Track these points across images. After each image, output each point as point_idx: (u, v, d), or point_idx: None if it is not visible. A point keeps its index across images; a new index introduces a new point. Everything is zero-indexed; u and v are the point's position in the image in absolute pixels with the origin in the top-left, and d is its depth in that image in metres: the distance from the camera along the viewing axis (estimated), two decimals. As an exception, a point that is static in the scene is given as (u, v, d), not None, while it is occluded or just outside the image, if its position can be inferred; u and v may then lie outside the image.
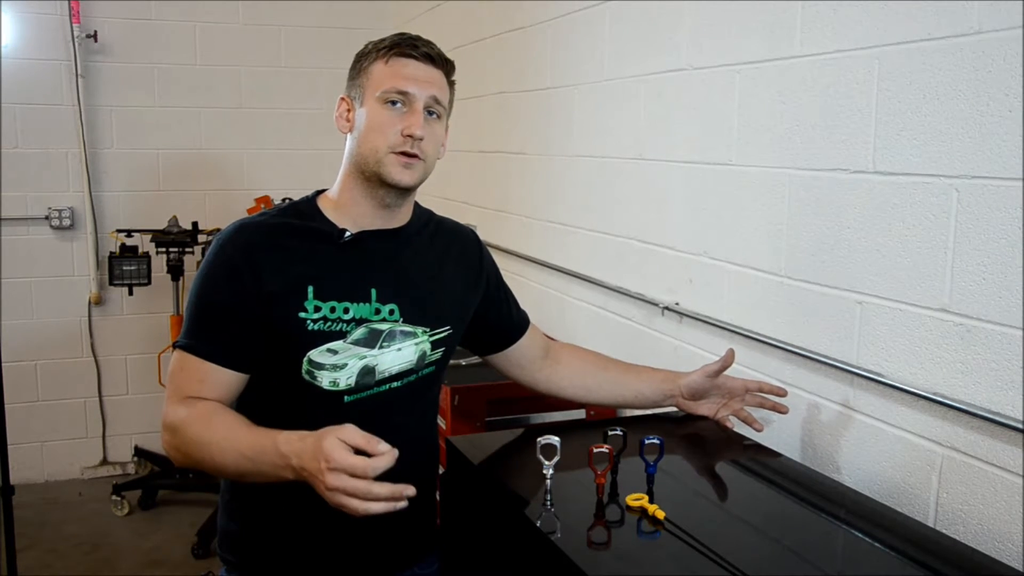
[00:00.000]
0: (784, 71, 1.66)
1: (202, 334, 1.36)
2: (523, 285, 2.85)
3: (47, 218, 3.97)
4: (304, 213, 1.43)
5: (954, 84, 1.30)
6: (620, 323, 2.30)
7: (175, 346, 1.38)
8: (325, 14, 4.28)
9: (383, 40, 1.41)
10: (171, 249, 3.75)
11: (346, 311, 1.38)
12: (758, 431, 1.58)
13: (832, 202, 1.54)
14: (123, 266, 3.69)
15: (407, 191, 1.41)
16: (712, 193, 1.89)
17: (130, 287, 3.75)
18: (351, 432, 1.14)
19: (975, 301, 1.28)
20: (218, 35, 4.16)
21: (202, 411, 1.31)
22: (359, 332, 1.38)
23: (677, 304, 2.03)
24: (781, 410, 1.57)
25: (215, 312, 1.36)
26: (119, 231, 3.80)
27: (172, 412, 1.33)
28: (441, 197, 3.45)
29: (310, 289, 1.36)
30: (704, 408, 1.61)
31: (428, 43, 1.41)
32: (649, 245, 2.15)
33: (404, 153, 1.35)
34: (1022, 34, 1.20)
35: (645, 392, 1.62)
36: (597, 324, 2.42)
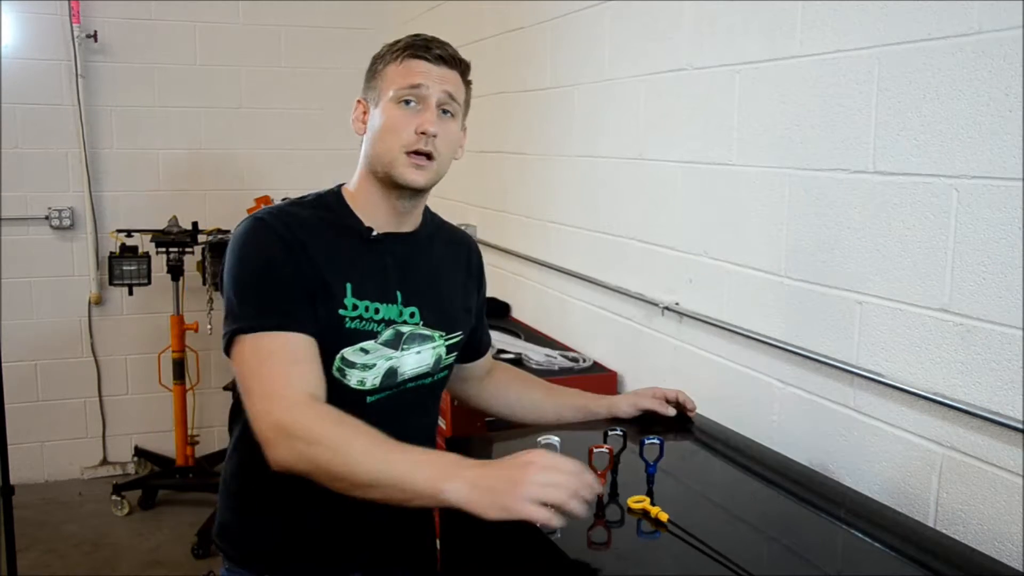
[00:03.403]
0: (784, 71, 1.66)
1: (270, 307, 1.27)
2: (523, 285, 2.85)
3: (47, 218, 3.97)
4: (333, 208, 1.40)
5: (954, 84, 1.30)
6: (620, 323, 2.30)
7: (235, 334, 1.26)
8: (325, 14, 4.28)
9: (398, 42, 1.39)
10: (171, 249, 3.75)
11: (376, 311, 1.36)
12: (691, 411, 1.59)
13: (832, 202, 1.54)
14: (123, 266, 3.70)
15: (419, 193, 1.40)
16: (712, 193, 1.89)
17: (130, 287, 3.75)
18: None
19: (975, 301, 1.28)
20: (218, 35, 4.16)
21: (339, 419, 1.20)
22: (387, 333, 1.37)
23: (677, 304, 2.03)
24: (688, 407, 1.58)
25: (277, 283, 1.28)
26: (119, 231, 3.80)
27: (299, 417, 1.18)
28: (441, 197, 3.44)
29: (348, 286, 1.34)
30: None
31: (442, 44, 1.39)
32: (649, 245, 2.15)
33: (417, 152, 1.34)
34: (1022, 34, 1.20)
35: (565, 415, 1.61)
36: (597, 324, 2.42)
